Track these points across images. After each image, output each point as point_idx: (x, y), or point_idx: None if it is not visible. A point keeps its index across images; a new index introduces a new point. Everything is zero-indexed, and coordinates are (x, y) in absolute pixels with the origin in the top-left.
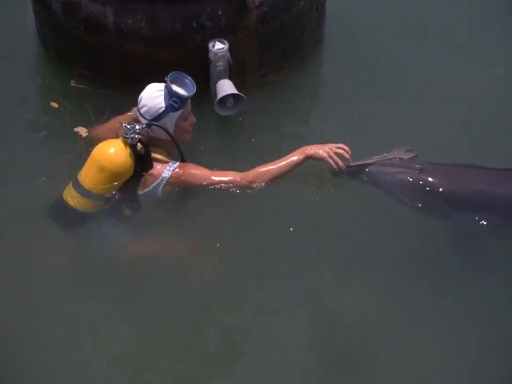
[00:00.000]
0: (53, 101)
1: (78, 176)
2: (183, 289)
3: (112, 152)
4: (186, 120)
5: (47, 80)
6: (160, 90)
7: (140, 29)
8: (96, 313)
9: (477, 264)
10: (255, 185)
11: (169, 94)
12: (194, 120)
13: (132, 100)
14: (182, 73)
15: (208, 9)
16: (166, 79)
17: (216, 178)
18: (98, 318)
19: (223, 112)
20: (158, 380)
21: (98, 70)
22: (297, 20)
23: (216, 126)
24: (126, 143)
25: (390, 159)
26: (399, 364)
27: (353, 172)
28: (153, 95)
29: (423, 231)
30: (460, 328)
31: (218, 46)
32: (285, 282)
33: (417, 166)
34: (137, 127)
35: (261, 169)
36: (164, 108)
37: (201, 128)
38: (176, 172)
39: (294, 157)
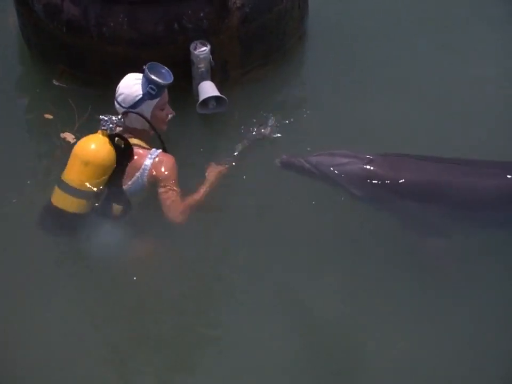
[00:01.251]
0: (47, 113)
1: (63, 177)
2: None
3: (94, 146)
4: (163, 110)
5: (30, 79)
6: (138, 79)
7: (121, 32)
8: (88, 315)
9: (433, 255)
10: (181, 219)
11: (147, 81)
12: (172, 112)
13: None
14: (159, 64)
15: (189, 11)
16: (144, 67)
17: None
18: (90, 317)
19: (205, 112)
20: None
21: (80, 70)
22: (279, 19)
23: (199, 125)
24: (105, 135)
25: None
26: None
27: (300, 166)
28: (130, 83)
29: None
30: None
31: (200, 48)
32: (262, 280)
33: (367, 156)
34: (113, 118)
35: (191, 204)
36: (141, 95)
37: (184, 127)
38: (158, 159)
39: (212, 180)
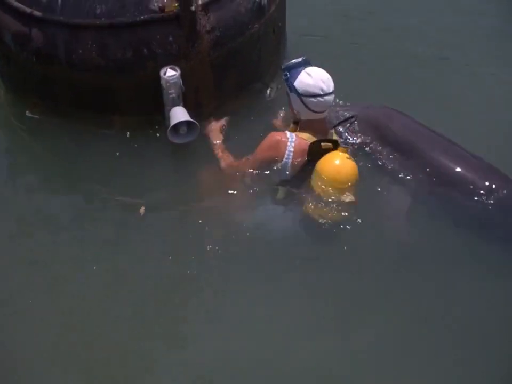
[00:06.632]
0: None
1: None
2: None
3: (354, 167)
4: None
5: (5, 114)
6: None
7: (90, 59)
8: None
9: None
10: None
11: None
12: None
13: (86, 128)
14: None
15: (158, 36)
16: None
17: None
18: None
19: (177, 140)
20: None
21: (52, 100)
22: (252, 43)
23: (172, 153)
24: (345, 151)
25: None
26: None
27: None
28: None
29: None
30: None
31: (170, 73)
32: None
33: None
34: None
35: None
36: None
37: (156, 155)
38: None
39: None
